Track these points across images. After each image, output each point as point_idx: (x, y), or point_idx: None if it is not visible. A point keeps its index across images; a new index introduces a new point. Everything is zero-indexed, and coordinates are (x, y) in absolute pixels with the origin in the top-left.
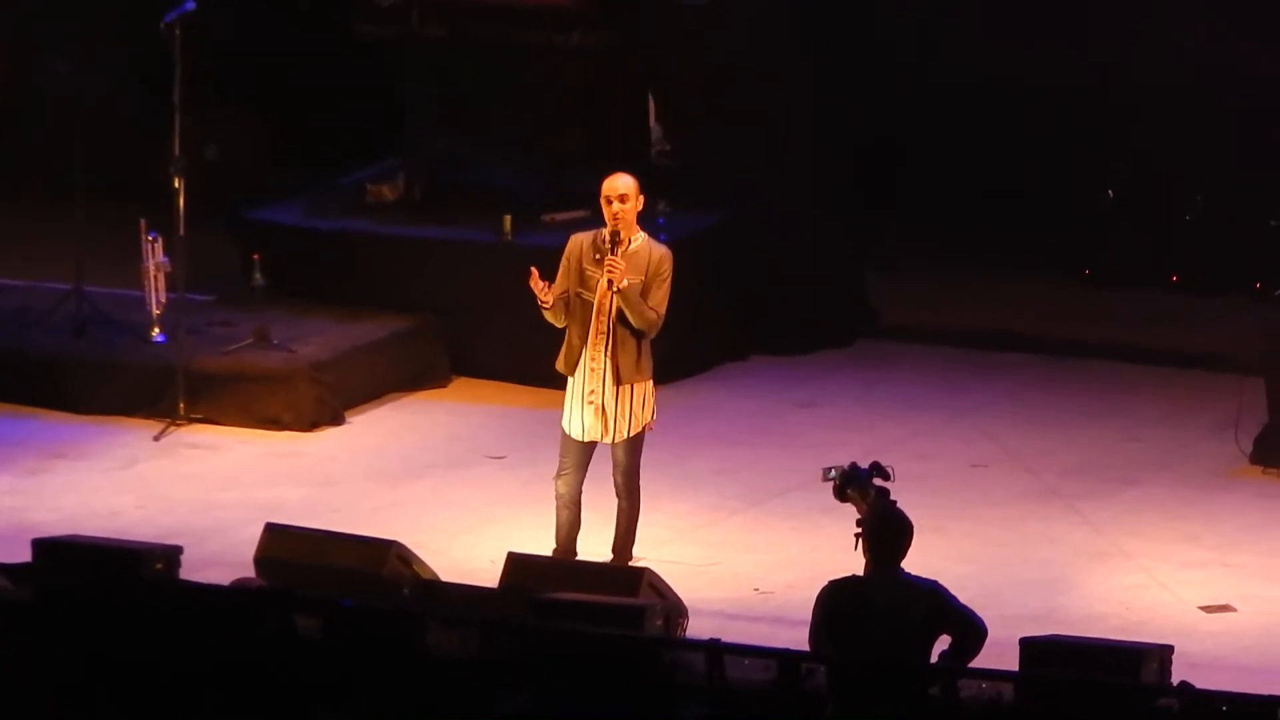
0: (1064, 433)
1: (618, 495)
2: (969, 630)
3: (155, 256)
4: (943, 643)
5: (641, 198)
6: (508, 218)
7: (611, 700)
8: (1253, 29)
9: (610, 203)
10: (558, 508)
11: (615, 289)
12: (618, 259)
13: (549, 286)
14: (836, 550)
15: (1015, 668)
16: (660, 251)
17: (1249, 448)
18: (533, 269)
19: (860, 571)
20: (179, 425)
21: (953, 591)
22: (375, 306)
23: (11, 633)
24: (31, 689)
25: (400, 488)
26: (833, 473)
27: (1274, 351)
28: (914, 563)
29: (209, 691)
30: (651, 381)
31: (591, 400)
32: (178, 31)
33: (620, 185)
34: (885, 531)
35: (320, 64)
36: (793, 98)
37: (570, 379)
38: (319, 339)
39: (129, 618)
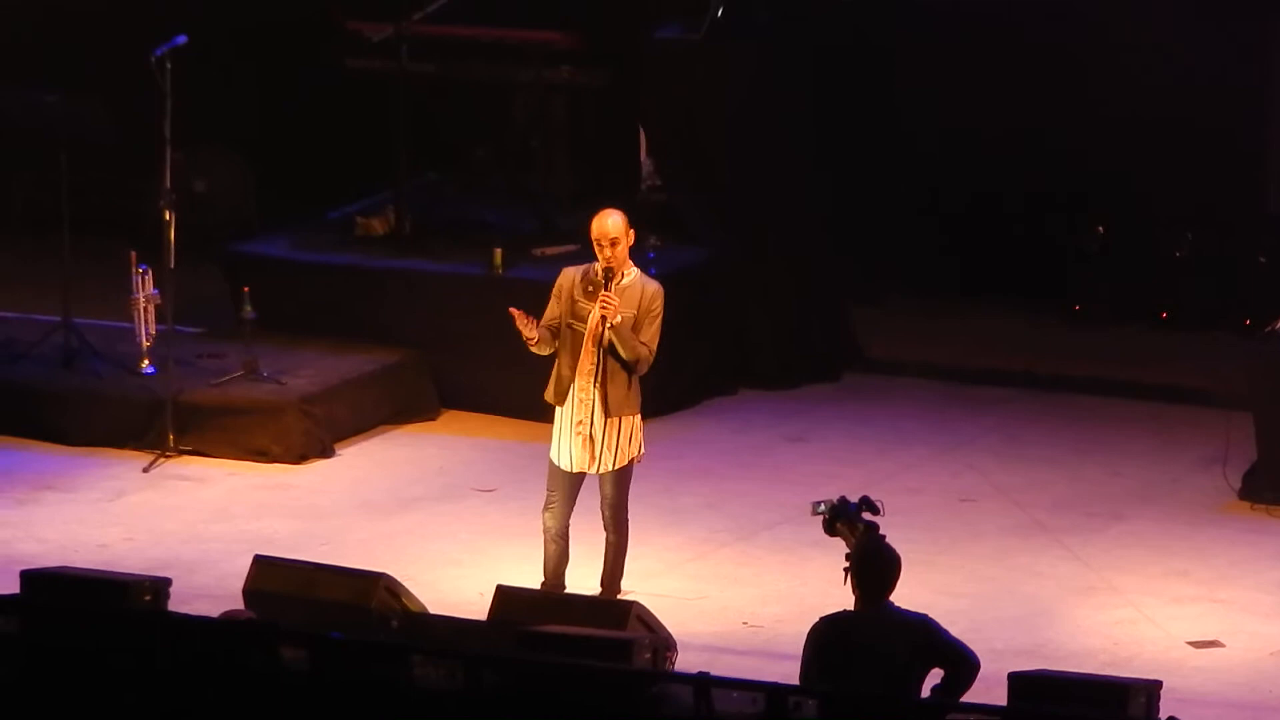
0: (1052, 468)
1: (606, 529)
2: (961, 663)
3: (145, 288)
4: (934, 676)
5: (632, 232)
6: (498, 251)
7: None
8: (1243, 73)
9: (602, 247)
10: (546, 540)
11: (610, 324)
12: (612, 294)
13: (534, 321)
14: (825, 584)
15: (1003, 702)
16: (653, 287)
17: (1237, 483)
18: (512, 309)
19: (849, 606)
20: (168, 457)
21: (942, 625)
22: (365, 339)
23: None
24: None
25: (389, 520)
26: (822, 507)
27: (1262, 387)
28: (902, 597)
29: None
30: (640, 416)
31: (580, 431)
32: (168, 65)
33: (610, 228)
34: (874, 566)
35: (310, 98)
36: (782, 133)
37: (559, 409)
38: (308, 371)
39: (117, 649)
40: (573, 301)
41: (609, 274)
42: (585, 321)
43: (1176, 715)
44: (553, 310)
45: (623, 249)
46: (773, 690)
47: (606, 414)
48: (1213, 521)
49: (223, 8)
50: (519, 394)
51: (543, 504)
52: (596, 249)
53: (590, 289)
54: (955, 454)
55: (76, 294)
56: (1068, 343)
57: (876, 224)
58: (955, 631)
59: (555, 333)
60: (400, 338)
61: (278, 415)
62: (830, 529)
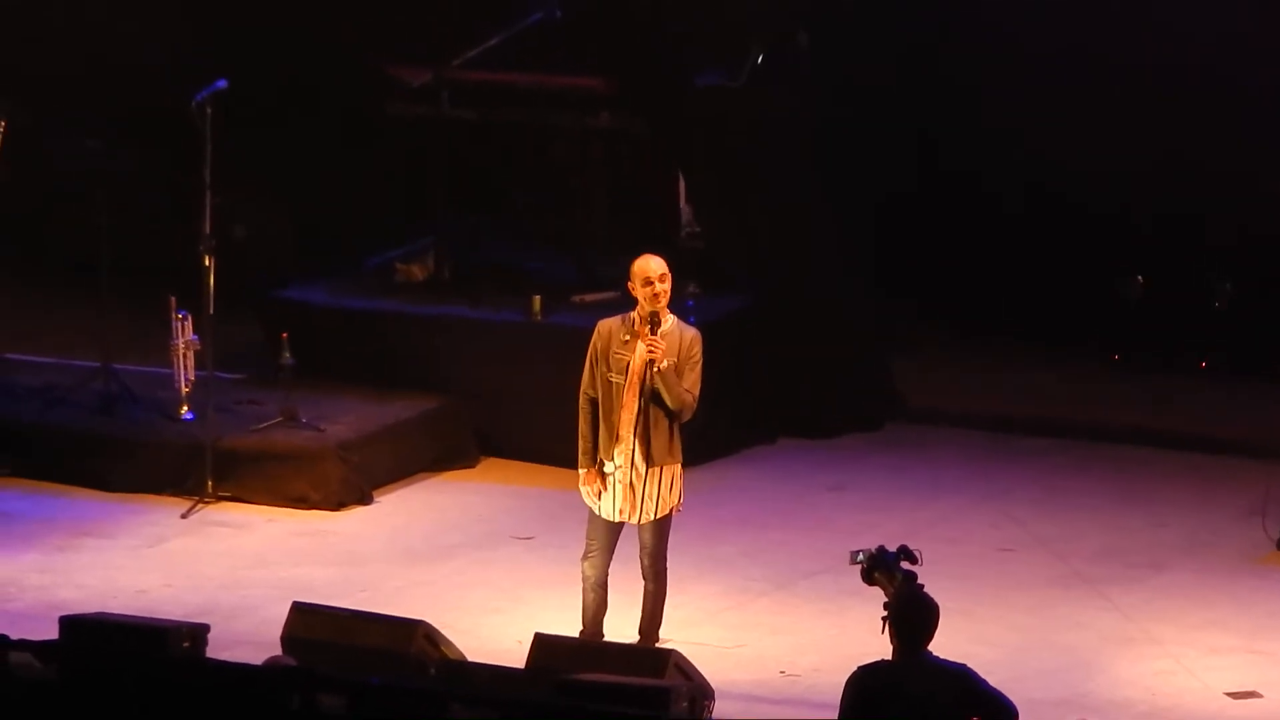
0: (1091, 518)
1: (644, 577)
2: (999, 713)
3: (184, 334)
4: None
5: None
6: (537, 298)
7: None
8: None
9: (650, 284)
10: (584, 589)
11: (656, 369)
12: (657, 339)
13: (592, 474)
14: (863, 633)
15: None
16: (691, 333)
17: (1276, 534)
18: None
19: (887, 655)
20: (207, 503)
21: (980, 675)
22: (404, 386)
23: (38, 711)
24: None
25: (427, 567)
26: (860, 556)
27: None
28: (940, 646)
29: None
30: (680, 465)
31: (620, 479)
32: (208, 110)
33: (657, 266)
34: (912, 615)
35: (349, 143)
36: (823, 181)
37: (600, 459)
38: (347, 418)
39: (156, 696)
40: (610, 354)
41: (655, 317)
42: (624, 373)
43: None
44: (589, 377)
45: (669, 288)
46: None
47: (648, 463)
48: (1252, 573)
49: (263, 53)
50: (558, 442)
51: (582, 552)
52: (644, 288)
53: (627, 338)
54: (994, 504)
55: (116, 339)
56: (1107, 392)
57: (917, 273)
58: (993, 681)
59: (595, 404)
60: (439, 384)
61: (317, 462)
62: (869, 578)
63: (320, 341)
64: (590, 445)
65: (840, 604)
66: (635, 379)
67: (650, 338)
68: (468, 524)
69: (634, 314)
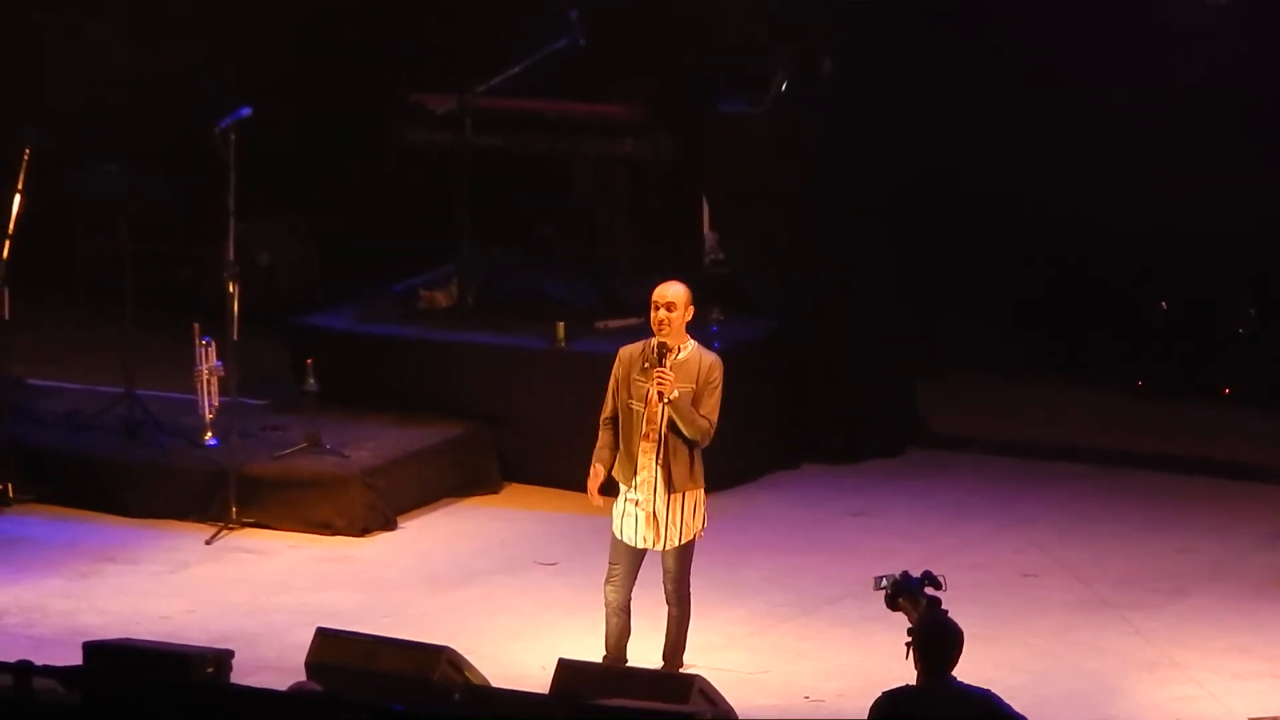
0: (1115, 543)
1: (668, 602)
2: None
3: (208, 360)
4: None
5: (692, 308)
6: (561, 324)
7: None
8: None
9: (658, 309)
10: (608, 614)
11: (666, 400)
12: (666, 370)
13: (599, 472)
14: (888, 659)
15: None
16: (710, 359)
17: None
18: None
19: (911, 680)
20: (230, 529)
21: (1004, 700)
22: (427, 412)
23: None
24: None
25: (452, 593)
26: (884, 581)
27: None
28: (965, 672)
29: None
30: (703, 490)
31: (644, 507)
32: (232, 136)
33: (669, 293)
34: (937, 641)
35: (373, 170)
36: (847, 207)
37: (622, 485)
38: (371, 444)
39: None
40: (630, 381)
41: (663, 349)
42: (644, 400)
43: None
44: (610, 406)
45: (679, 317)
46: None
47: (670, 490)
48: (1276, 598)
49: (288, 80)
50: (581, 467)
51: (605, 577)
52: (651, 310)
53: (647, 365)
54: (1017, 529)
55: (140, 365)
56: (1130, 418)
57: (940, 298)
58: (1018, 707)
59: (616, 426)
60: (463, 410)
61: (340, 488)
62: (893, 604)
63: (344, 367)
64: (607, 454)
65: (864, 629)
66: (654, 408)
67: (659, 370)
68: (491, 550)
69: (652, 342)
